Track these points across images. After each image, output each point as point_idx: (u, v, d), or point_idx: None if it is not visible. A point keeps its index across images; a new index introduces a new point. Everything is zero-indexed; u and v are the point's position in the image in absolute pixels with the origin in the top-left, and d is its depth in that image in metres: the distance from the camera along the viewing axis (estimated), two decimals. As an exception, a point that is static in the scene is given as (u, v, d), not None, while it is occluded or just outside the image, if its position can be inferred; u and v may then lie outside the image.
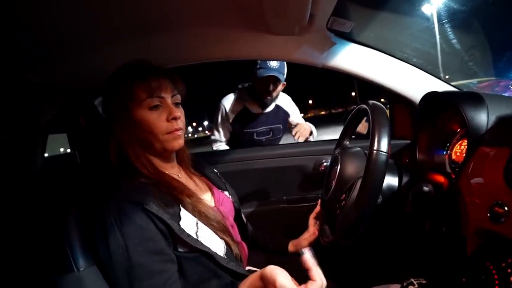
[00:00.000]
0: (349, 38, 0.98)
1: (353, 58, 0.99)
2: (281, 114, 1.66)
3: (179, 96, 0.69)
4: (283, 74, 1.50)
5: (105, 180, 0.61)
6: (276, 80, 1.48)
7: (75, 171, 0.79)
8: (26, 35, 0.59)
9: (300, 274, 0.85)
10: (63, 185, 0.68)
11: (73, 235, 0.58)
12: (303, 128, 1.53)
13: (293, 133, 1.53)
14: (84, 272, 0.55)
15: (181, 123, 0.66)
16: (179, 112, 0.66)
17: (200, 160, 0.85)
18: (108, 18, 0.65)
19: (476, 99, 0.67)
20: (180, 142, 0.67)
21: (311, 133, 1.58)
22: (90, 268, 0.56)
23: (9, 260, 0.62)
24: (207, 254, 0.61)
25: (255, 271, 0.81)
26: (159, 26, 0.77)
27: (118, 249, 0.53)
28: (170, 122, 0.64)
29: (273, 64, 1.46)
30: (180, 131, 0.66)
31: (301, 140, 1.51)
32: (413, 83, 1.00)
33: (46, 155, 1.01)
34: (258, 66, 1.49)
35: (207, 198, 0.75)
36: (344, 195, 0.67)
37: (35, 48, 0.65)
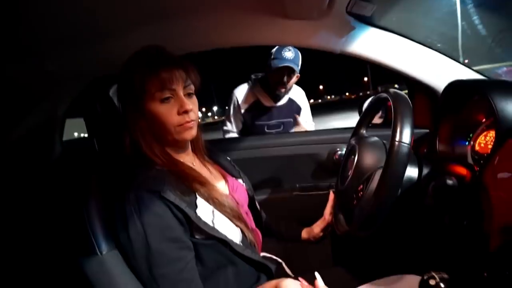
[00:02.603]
0: (370, 22, 0.93)
1: (373, 44, 0.95)
2: (294, 108, 1.62)
3: (192, 86, 0.67)
4: (298, 66, 1.46)
5: (122, 168, 0.62)
6: (290, 72, 1.46)
7: (93, 158, 0.81)
8: (43, 23, 0.59)
9: (312, 260, 0.86)
10: (83, 171, 0.70)
11: (95, 220, 0.60)
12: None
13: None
14: (107, 255, 0.57)
15: (193, 114, 0.64)
16: (191, 104, 0.64)
17: (214, 148, 0.85)
18: (123, 4, 0.64)
19: (506, 88, 0.63)
20: (192, 133, 0.66)
21: None
22: (112, 251, 0.58)
23: (34, 243, 0.65)
24: (224, 242, 0.62)
25: (270, 257, 0.83)
26: (173, 12, 0.76)
27: (138, 236, 0.55)
28: (181, 115, 0.63)
29: (288, 55, 1.42)
30: (192, 122, 0.65)
31: None
32: (437, 70, 0.95)
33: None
34: (272, 57, 1.45)
35: (221, 185, 0.75)
36: (361, 186, 0.66)
37: (52, 35, 0.64)
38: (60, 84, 0.82)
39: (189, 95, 0.66)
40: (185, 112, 0.63)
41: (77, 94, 0.89)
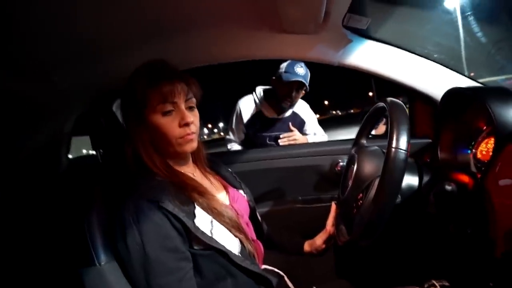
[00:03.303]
0: (366, 35, 0.96)
1: (370, 56, 0.97)
2: (298, 121, 1.64)
3: (194, 99, 0.69)
4: (307, 83, 1.50)
5: (123, 180, 0.64)
6: (300, 87, 1.50)
7: (97, 171, 0.83)
8: (53, 42, 0.63)
9: (315, 273, 0.84)
10: (86, 184, 0.71)
11: (95, 230, 0.60)
12: (294, 137, 1.51)
13: (282, 136, 1.52)
14: (105, 266, 0.57)
15: (194, 127, 0.66)
16: (192, 117, 0.65)
17: (216, 160, 0.86)
18: (127, 22, 0.67)
19: (503, 94, 0.63)
20: (193, 145, 0.67)
21: None
22: (110, 262, 0.58)
23: (36, 253, 0.65)
24: (222, 252, 0.61)
25: (271, 270, 0.81)
26: (175, 29, 0.79)
27: (136, 246, 0.55)
28: (182, 127, 0.64)
29: (300, 71, 1.46)
30: (193, 135, 0.66)
31: (282, 143, 1.50)
32: (434, 80, 0.96)
33: (70, 156, 1.06)
34: (284, 70, 1.49)
35: (222, 196, 0.75)
36: (361, 195, 0.66)
37: (60, 52, 0.67)
38: (67, 101, 0.85)
39: (190, 108, 0.68)
40: (186, 124, 0.64)
41: (82, 110, 0.93)
